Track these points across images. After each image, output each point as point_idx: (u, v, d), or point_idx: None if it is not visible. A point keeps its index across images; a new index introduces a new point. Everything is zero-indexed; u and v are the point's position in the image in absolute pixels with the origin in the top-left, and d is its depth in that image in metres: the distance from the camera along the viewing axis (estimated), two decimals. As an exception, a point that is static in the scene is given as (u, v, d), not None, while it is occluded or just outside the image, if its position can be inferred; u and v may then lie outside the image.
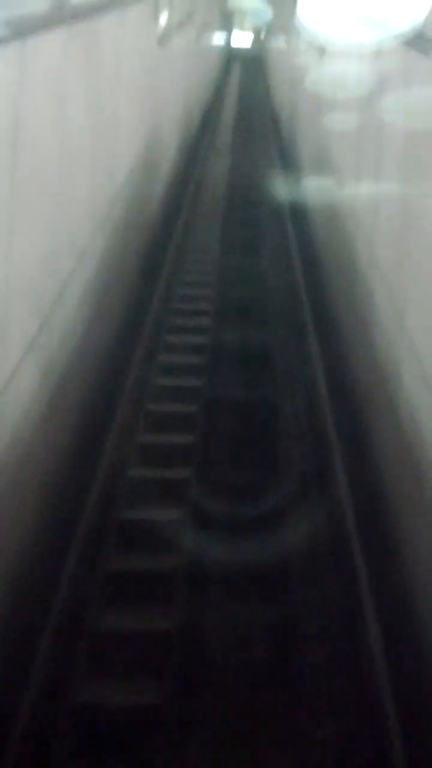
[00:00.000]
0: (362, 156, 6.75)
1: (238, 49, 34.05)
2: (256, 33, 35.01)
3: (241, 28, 35.19)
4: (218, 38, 25.74)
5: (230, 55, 31.76)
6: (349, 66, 7.73)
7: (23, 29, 3.95)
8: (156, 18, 9.33)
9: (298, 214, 11.19)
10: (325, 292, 8.37)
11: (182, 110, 13.55)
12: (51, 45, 4.62)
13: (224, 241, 11.02)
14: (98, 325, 6.07)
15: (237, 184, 14.23)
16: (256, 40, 35.04)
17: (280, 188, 13.20)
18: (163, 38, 9.86)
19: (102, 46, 6.16)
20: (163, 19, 9.69)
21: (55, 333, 4.99)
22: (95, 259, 6.03)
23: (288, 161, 14.40)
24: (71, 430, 5.37)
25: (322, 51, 10.18)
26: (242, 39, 35.47)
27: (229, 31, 33.09)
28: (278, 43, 21.60)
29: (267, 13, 27.91)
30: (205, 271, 9.86)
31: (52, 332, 4.91)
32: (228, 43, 32.42)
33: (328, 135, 9.14)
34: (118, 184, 7.15)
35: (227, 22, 31.52)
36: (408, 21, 5.05)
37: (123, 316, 7.21)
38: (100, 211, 6.33)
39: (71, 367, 5.27)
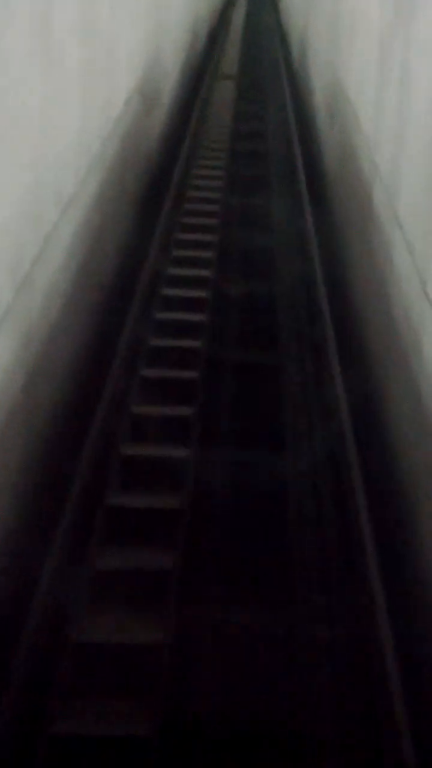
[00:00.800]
0: (384, 90, 6.18)
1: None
2: None
3: None
4: None
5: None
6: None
7: None
8: None
9: (308, 161, 10.61)
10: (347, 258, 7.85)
11: (187, 33, 12.85)
12: None
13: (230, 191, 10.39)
14: (87, 284, 5.58)
15: (243, 113, 13.66)
16: None
17: (290, 127, 12.60)
18: None
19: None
20: None
21: (37, 295, 4.51)
22: (85, 207, 5.52)
23: (298, 96, 13.74)
24: (55, 404, 4.93)
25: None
26: None
27: None
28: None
29: None
30: (207, 226, 9.29)
31: (32, 295, 4.44)
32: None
33: (344, 65, 8.52)
34: (112, 118, 6.59)
35: None
36: None
37: (115, 272, 6.70)
38: (92, 150, 5.79)
39: (55, 334, 4.80)
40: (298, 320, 7.94)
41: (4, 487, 4.03)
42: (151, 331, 6.87)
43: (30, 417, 4.48)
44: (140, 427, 5.65)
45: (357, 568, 4.63)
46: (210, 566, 4.79)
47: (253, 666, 4.21)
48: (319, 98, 11.06)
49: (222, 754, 3.75)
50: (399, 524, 4.61)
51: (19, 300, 4.21)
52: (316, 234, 9.08)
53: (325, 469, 5.74)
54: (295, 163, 11.39)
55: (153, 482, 5.24)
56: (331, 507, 5.34)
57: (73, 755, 3.70)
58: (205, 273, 8.10)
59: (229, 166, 11.25)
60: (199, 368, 6.51)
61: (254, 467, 5.73)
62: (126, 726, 3.78)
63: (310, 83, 12.48)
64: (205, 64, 15.71)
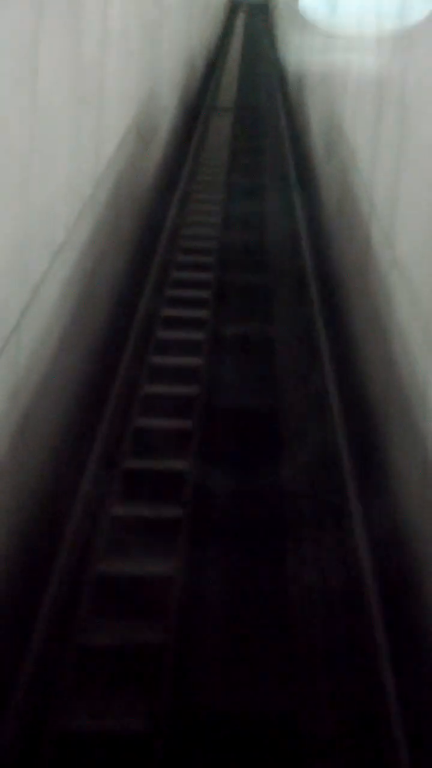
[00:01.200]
0: (382, 131, 6.03)
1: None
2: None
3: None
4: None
5: (234, 2, 30.85)
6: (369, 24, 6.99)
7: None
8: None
9: (307, 199, 10.48)
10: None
11: (183, 65, 12.77)
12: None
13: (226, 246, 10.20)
14: (77, 338, 5.37)
15: (240, 149, 13.58)
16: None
17: (287, 166, 12.50)
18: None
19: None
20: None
21: (24, 351, 4.31)
22: (76, 255, 5.33)
23: (296, 132, 13.65)
24: (44, 461, 4.71)
25: None
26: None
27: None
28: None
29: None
30: (204, 264, 9.12)
31: (19, 350, 4.24)
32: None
33: (342, 103, 8.39)
34: (105, 158, 6.43)
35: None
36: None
37: (109, 319, 6.50)
38: (83, 193, 5.62)
39: (43, 393, 4.59)
40: (297, 370, 7.77)
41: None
42: (146, 378, 6.68)
43: (18, 476, 4.27)
44: (133, 486, 5.43)
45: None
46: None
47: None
48: (315, 133, 10.96)
49: None
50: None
51: (5, 354, 4.01)
52: (314, 275, 8.94)
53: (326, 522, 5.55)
54: (292, 201, 11.27)
55: (145, 543, 5.02)
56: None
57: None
58: (201, 313, 7.96)
59: (227, 207, 11.11)
60: (195, 416, 6.31)
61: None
62: None
63: (306, 118, 12.40)
64: (201, 98, 15.65)
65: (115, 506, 5.35)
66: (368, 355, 5.99)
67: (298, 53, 14.98)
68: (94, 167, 5.98)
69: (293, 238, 10.29)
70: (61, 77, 4.91)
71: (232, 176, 12.38)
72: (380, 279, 5.68)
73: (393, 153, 5.52)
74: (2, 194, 3.90)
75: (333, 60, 9.44)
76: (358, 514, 5.37)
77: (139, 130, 8.06)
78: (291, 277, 9.47)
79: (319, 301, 8.26)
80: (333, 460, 6.05)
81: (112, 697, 4.12)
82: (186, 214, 10.36)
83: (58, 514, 4.87)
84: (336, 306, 7.57)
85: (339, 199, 8.15)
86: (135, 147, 7.87)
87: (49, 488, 4.72)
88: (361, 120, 6.99)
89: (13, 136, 4.03)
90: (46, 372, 4.68)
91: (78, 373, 5.44)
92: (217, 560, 5.05)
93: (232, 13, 29.18)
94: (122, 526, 5.25)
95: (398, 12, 5.97)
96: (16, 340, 4.17)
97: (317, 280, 8.74)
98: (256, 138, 14.78)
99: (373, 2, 6.99)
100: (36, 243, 4.53)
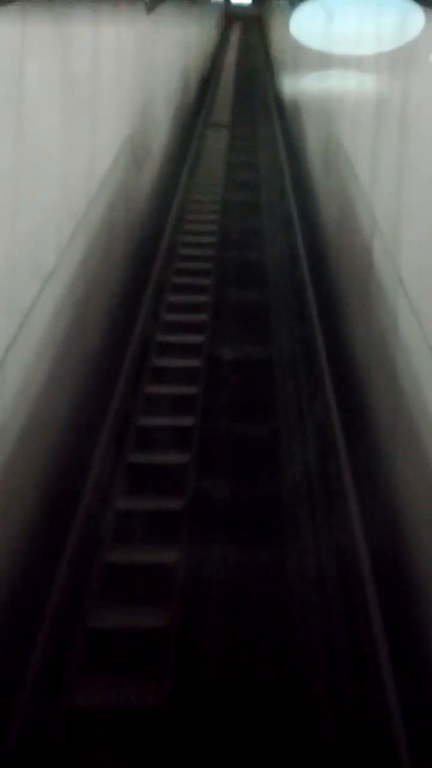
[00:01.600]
0: (382, 147, 5.79)
1: (238, 7, 33.07)
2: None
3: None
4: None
5: (229, 14, 30.79)
6: (364, 32, 6.76)
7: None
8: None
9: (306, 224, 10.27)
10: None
11: (177, 81, 12.57)
12: (6, 14, 3.71)
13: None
14: (67, 373, 5.09)
15: (236, 163, 13.41)
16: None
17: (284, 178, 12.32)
18: (153, 4, 8.89)
19: (76, 16, 5.23)
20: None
21: (9, 388, 4.04)
22: (68, 279, 5.06)
23: (291, 143, 13.47)
24: (32, 500, 4.44)
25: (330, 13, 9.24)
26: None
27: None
28: None
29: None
30: (200, 286, 8.86)
31: (4, 387, 3.97)
32: (227, 1, 31.42)
33: (340, 113, 8.17)
34: (98, 176, 6.18)
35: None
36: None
37: (101, 346, 6.22)
38: (75, 214, 5.36)
39: (28, 433, 4.31)
40: (298, 390, 7.52)
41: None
42: (140, 409, 6.40)
43: (2, 519, 4.00)
44: (126, 526, 5.14)
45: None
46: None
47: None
48: (313, 146, 10.75)
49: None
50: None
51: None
52: (313, 291, 8.72)
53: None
54: (292, 226, 11.05)
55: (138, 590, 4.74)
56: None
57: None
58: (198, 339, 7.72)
59: (223, 224, 10.88)
60: (193, 448, 6.04)
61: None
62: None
63: (304, 134, 12.20)
64: (196, 113, 15.47)
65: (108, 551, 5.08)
66: (374, 376, 5.76)
67: (295, 69, 14.83)
68: (86, 186, 5.73)
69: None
70: (52, 103, 4.68)
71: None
72: (383, 297, 5.44)
73: (394, 168, 5.31)
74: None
75: (331, 76, 9.25)
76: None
77: (133, 147, 7.83)
78: (289, 296, 9.26)
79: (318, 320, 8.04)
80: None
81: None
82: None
83: (50, 546, 4.60)
84: (339, 322, 7.36)
85: (339, 216, 7.93)
86: (129, 163, 7.63)
87: (36, 526, 4.45)
88: (361, 135, 6.78)
89: (1, 161, 3.80)
90: (32, 412, 4.41)
91: (69, 401, 5.17)
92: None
93: (227, 24, 29.13)
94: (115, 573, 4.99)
95: (397, 27, 5.78)
96: (3, 372, 3.92)
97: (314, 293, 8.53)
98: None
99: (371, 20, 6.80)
100: (25, 270, 4.28)
